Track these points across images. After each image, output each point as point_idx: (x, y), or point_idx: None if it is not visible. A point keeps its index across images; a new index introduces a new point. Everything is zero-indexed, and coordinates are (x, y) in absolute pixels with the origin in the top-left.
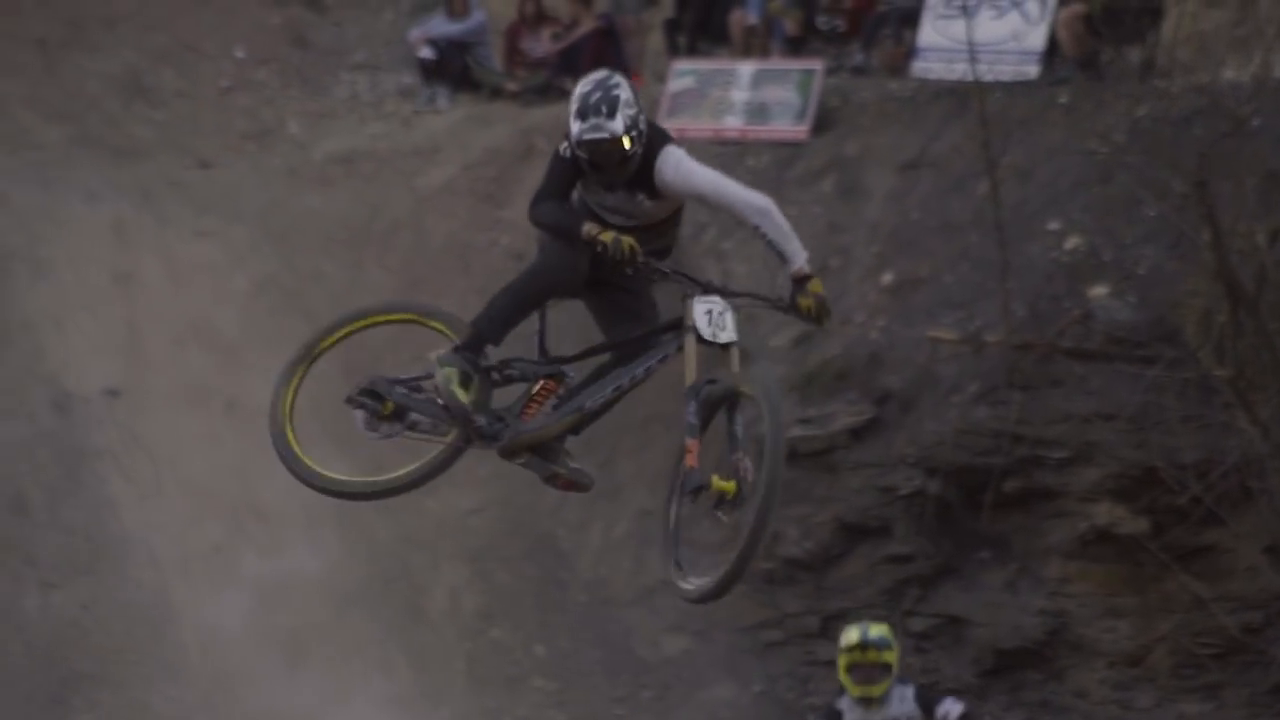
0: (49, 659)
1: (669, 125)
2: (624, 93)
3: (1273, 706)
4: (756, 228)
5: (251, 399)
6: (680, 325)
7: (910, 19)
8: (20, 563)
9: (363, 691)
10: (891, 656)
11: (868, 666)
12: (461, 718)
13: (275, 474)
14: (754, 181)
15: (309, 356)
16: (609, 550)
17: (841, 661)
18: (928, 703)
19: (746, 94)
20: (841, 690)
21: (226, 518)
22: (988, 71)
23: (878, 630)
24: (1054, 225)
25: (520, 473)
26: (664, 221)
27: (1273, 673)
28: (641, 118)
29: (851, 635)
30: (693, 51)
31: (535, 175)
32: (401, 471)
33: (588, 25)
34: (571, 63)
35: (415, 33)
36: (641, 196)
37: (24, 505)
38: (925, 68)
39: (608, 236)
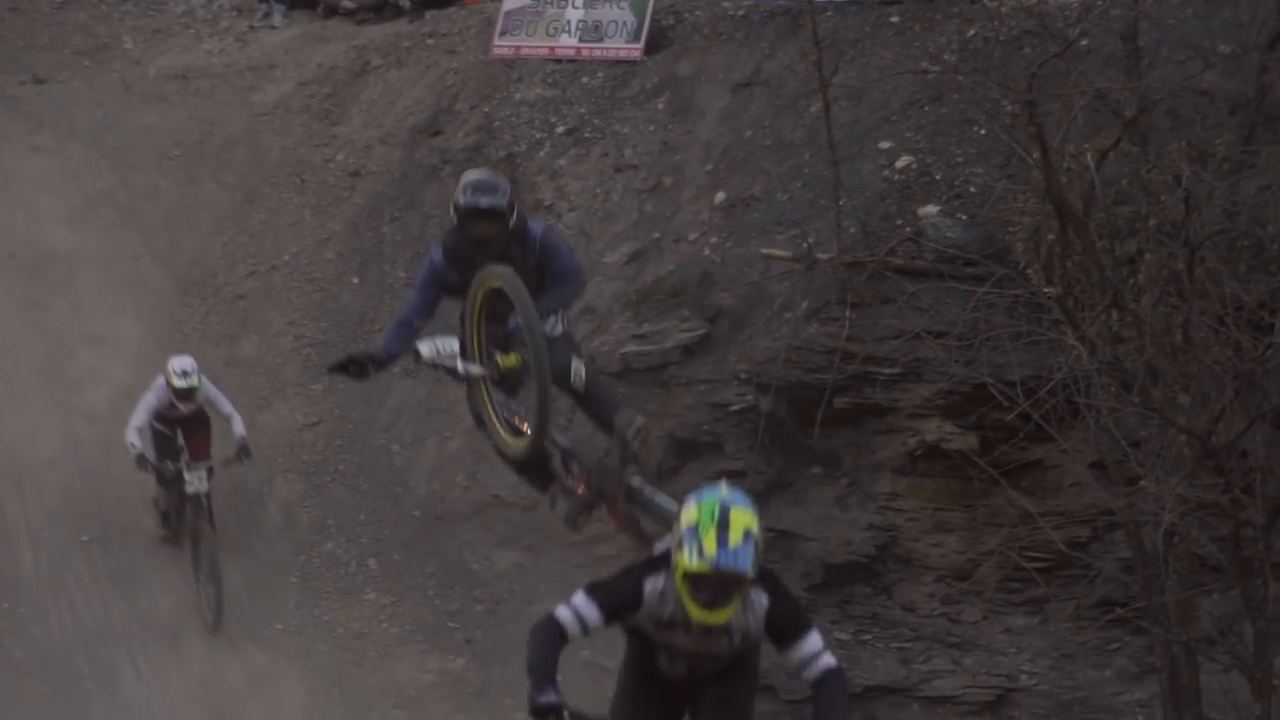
0: None
1: (504, 44)
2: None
3: (1097, 620)
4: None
5: (81, 315)
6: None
7: None
8: None
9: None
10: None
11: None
12: (295, 631)
13: (106, 381)
14: (589, 99)
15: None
16: (442, 466)
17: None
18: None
19: (581, 12)
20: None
21: (58, 428)
22: None
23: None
24: (885, 144)
25: (355, 388)
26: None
27: (1098, 587)
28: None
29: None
30: None
31: (370, 93)
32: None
33: None
34: None
35: None
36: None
37: None
38: None
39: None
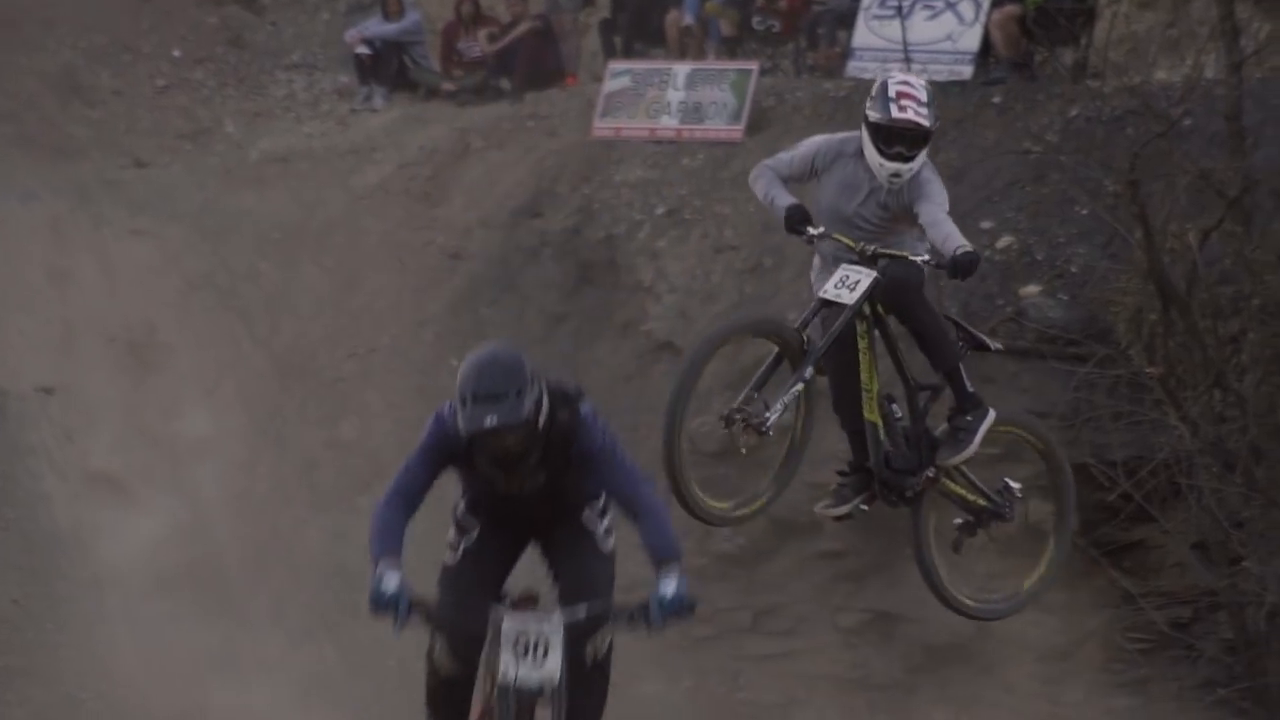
0: None
1: (604, 125)
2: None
3: (1201, 700)
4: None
5: (182, 398)
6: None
7: (846, 20)
8: None
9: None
10: None
11: None
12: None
13: (208, 463)
14: (689, 180)
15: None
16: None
17: None
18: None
19: (682, 94)
20: None
21: (159, 512)
22: (922, 72)
23: None
24: (987, 224)
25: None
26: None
27: (1200, 667)
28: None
29: None
30: (628, 52)
31: (470, 174)
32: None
33: (524, 25)
34: (507, 63)
35: (352, 33)
36: None
37: None
38: (860, 68)
39: None
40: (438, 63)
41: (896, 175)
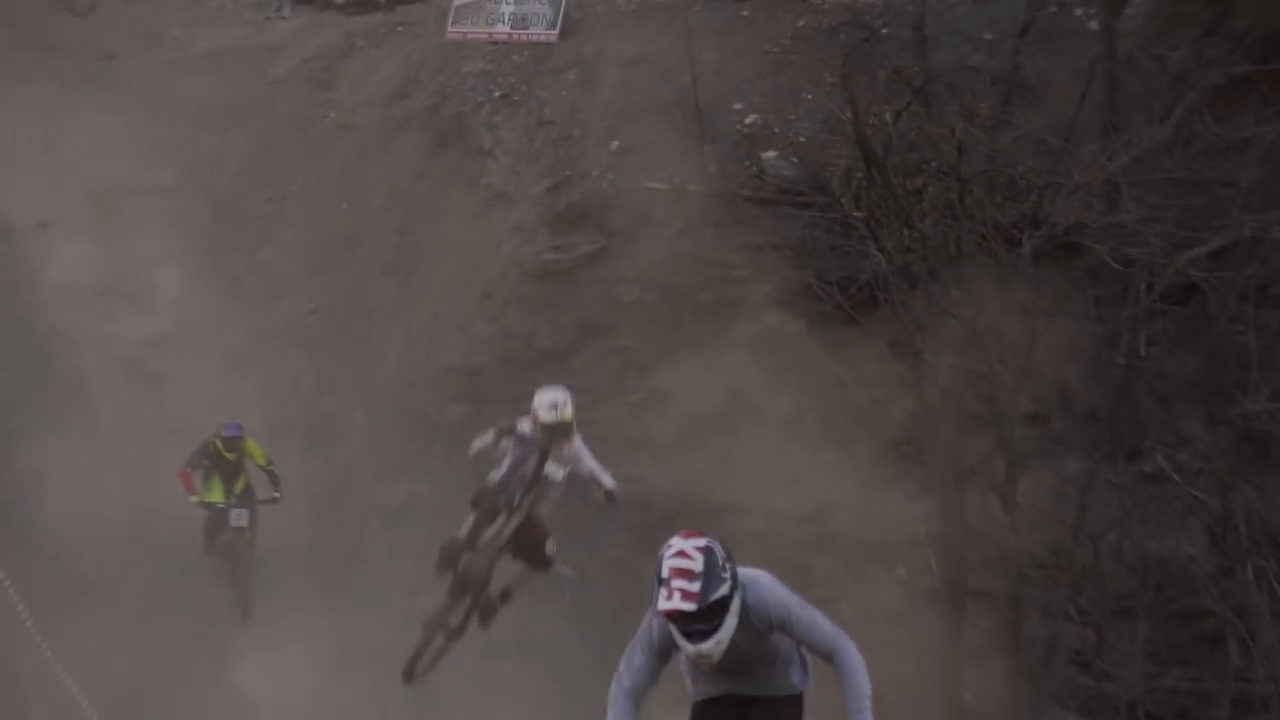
0: None
1: (455, 30)
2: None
3: (890, 456)
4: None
5: (142, 231)
6: None
7: None
8: None
9: None
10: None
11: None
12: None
13: (163, 273)
14: (518, 71)
15: None
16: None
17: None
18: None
19: (513, 6)
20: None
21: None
22: None
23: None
24: (738, 105)
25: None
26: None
27: (892, 430)
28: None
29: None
30: None
31: (355, 67)
32: None
33: None
34: None
35: None
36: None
37: None
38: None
39: None
40: None
41: (703, 656)
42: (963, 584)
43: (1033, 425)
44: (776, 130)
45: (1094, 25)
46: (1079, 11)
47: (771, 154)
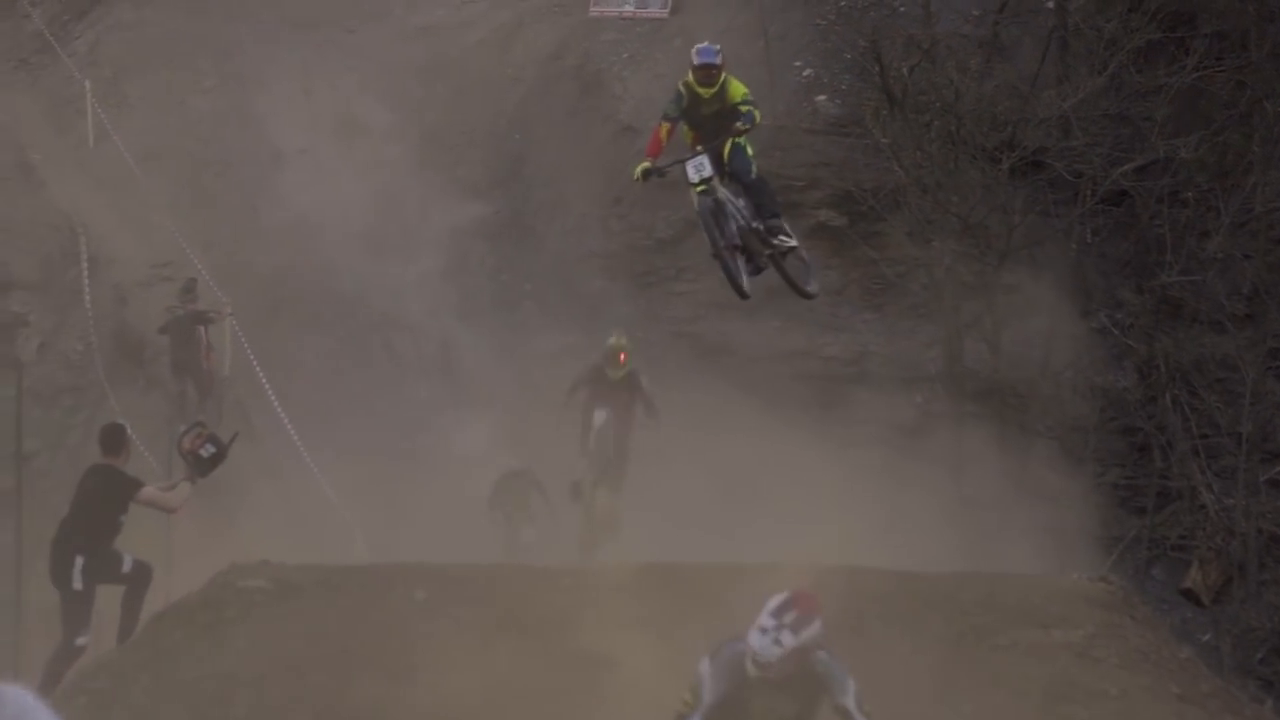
0: None
1: (596, 9)
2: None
3: (908, 319)
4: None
5: (369, 147)
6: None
7: None
8: None
9: None
10: None
11: None
12: None
13: (386, 180)
14: (640, 40)
15: None
16: None
17: None
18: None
19: None
20: None
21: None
22: None
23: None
24: (798, 63)
25: None
26: None
27: (909, 298)
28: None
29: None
30: None
31: (525, 37)
32: None
33: None
34: None
35: None
36: None
37: None
38: None
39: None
40: None
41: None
42: (962, 407)
43: (1011, 293)
44: (825, 80)
45: (1051, 4)
46: None
47: (822, 97)
